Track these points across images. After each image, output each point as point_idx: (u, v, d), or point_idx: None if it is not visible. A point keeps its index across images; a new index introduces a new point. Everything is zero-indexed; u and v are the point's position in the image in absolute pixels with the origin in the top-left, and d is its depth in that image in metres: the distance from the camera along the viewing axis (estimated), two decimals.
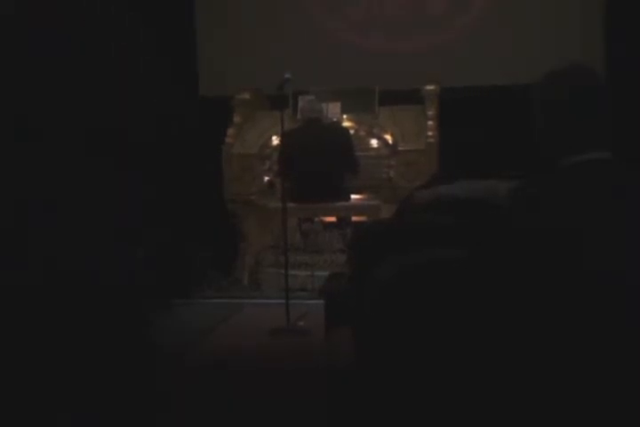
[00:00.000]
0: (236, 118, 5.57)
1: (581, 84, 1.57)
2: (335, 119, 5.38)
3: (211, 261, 5.38)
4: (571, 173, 1.53)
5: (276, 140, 5.33)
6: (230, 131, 5.49)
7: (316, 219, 5.16)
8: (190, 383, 3.12)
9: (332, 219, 5.17)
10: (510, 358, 1.38)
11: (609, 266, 1.39)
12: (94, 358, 2.03)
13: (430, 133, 5.14)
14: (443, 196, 1.94)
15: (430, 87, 5.35)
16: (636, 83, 5.43)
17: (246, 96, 5.60)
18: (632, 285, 1.37)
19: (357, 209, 5.09)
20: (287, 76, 4.13)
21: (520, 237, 1.47)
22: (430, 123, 5.20)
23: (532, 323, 1.38)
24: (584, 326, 1.36)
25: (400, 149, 5.21)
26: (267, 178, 5.40)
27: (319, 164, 4.82)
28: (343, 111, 5.44)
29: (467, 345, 1.39)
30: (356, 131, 5.35)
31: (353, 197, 5.09)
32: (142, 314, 2.29)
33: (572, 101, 1.56)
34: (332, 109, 5.42)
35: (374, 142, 5.39)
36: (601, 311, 1.36)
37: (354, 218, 5.13)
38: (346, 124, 5.38)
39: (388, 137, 5.31)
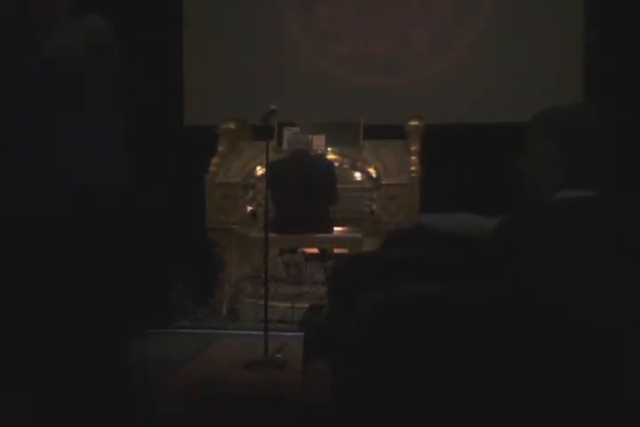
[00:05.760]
0: (221, 147, 5.58)
1: (575, 123, 1.58)
2: (320, 152, 5.40)
3: (189, 290, 5.32)
4: (557, 210, 1.54)
5: (260, 171, 5.34)
6: (214, 160, 5.49)
7: (299, 250, 5.14)
8: (159, 415, 3.06)
9: (315, 250, 5.15)
10: (492, 393, 1.36)
11: (592, 302, 1.39)
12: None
13: (413, 168, 5.17)
14: (426, 226, 1.93)
15: (414, 123, 5.40)
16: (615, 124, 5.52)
17: (231, 126, 5.62)
18: (615, 322, 1.37)
19: (339, 241, 5.08)
20: (272, 107, 4.14)
21: (503, 273, 1.46)
22: (413, 158, 5.24)
23: (513, 359, 1.37)
24: (568, 364, 1.35)
25: (383, 182, 5.23)
26: (250, 208, 5.39)
27: (304, 195, 4.82)
28: (328, 144, 5.47)
29: (442, 380, 1.38)
30: (340, 164, 5.37)
31: (335, 229, 5.08)
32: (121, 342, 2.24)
33: (565, 140, 1.56)
34: (317, 142, 5.44)
35: (358, 176, 5.41)
36: (588, 349, 1.35)
37: (336, 250, 5.11)
38: (330, 157, 5.40)
39: (372, 171, 5.33)
